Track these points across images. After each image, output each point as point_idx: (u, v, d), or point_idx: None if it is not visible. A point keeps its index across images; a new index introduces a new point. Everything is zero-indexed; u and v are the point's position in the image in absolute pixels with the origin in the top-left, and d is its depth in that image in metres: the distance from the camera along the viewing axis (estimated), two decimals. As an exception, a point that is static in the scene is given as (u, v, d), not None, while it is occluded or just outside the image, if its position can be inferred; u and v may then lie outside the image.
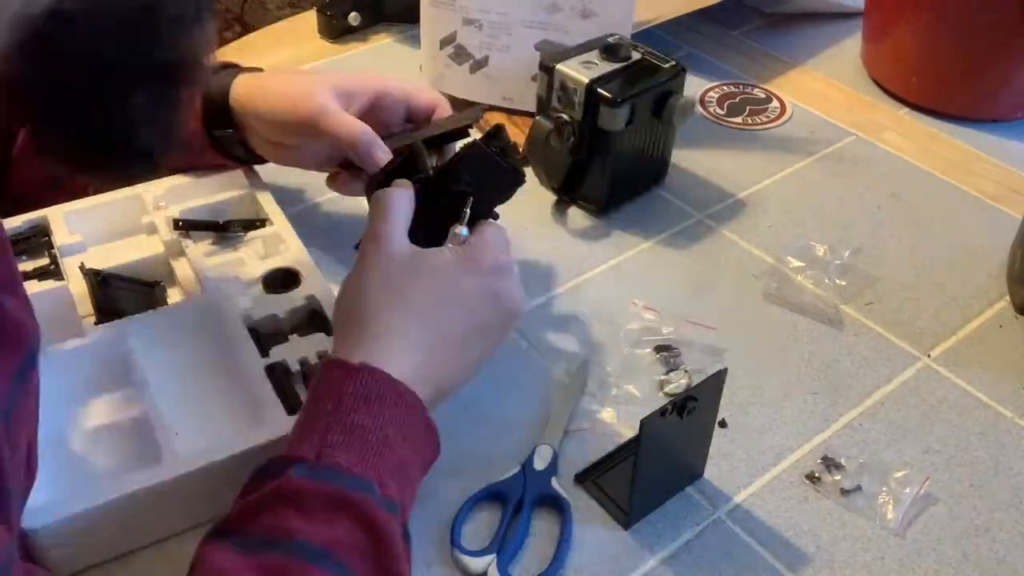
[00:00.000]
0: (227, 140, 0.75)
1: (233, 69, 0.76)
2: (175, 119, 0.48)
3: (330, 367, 0.55)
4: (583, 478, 0.65)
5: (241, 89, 0.73)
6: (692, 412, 0.58)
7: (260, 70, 0.78)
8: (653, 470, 0.60)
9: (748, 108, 1.03)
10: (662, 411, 0.57)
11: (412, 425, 0.54)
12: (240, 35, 1.20)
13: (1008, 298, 0.80)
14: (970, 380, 0.73)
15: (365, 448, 0.51)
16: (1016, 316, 0.78)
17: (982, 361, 0.74)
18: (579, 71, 0.82)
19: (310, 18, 1.15)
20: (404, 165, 0.67)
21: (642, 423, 0.56)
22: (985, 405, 0.71)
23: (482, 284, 0.59)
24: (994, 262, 0.82)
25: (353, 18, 1.13)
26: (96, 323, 0.67)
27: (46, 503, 0.55)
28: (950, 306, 0.79)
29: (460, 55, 0.98)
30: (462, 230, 0.62)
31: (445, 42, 0.98)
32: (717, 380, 0.59)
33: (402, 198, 0.62)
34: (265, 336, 0.68)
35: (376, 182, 0.67)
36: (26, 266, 0.72)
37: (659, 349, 0.73)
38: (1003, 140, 0.99)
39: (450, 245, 0.61)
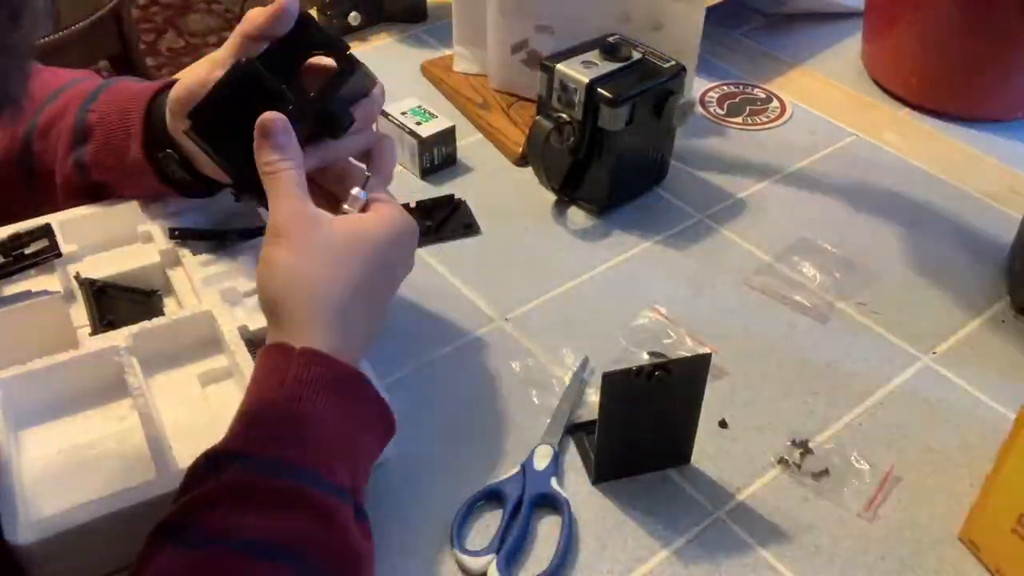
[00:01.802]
0: (166, 161, 0.71)
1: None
2: None
3: (271, 353, 0.54)
4: (575, 430, 0.67)
5: (172, 92, 0.69)
6: (662, 381, 0.59)
7: None
8: (622, 432, 0.62)
9: (748, 108, 1.03)
10: (626, 371, 0.58)
11: (360, 404, 0.54)
12: (240, 35, 1.20)
13: (1008, 298, 0.80)
14: (970, 380, 0.73)
15: (308, 437, 0.50)
16: (1016, 316, 0.78)
17: (982, 361, 0.74)
18: (579, 71, 0.82)
19: (310, 18, 1.15)
20: (239, 86, 0.61)
21: (604, 375, 0.58)
22: (985, 405, 0.71)
23: (405, 253, 0.61)
24: (994, 262, 0.82)
25: (353, 18, 1.13)
26: (91, 334, 0.67)
27: (39, 518, 0.54)
28: (950, 306, 0.79)
29: (533, 61, 0.97)
30: (360, 193, 0.61)
31: (517, 48, 0.98)
32: (699, 361, 0.60)
33: (294, 162, 0.58)
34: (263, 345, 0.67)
35: (209, 110, 0.61)
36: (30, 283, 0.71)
37: (653, 354, 0.73)
38: (1003, 140, 0.99)
39: (357, 212, 0.61)
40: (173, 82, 0.71)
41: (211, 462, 0.50)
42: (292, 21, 0.62)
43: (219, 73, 0.62)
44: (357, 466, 0.52)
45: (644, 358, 0.73)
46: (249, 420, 0.52)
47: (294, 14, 0.62)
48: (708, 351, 0.65)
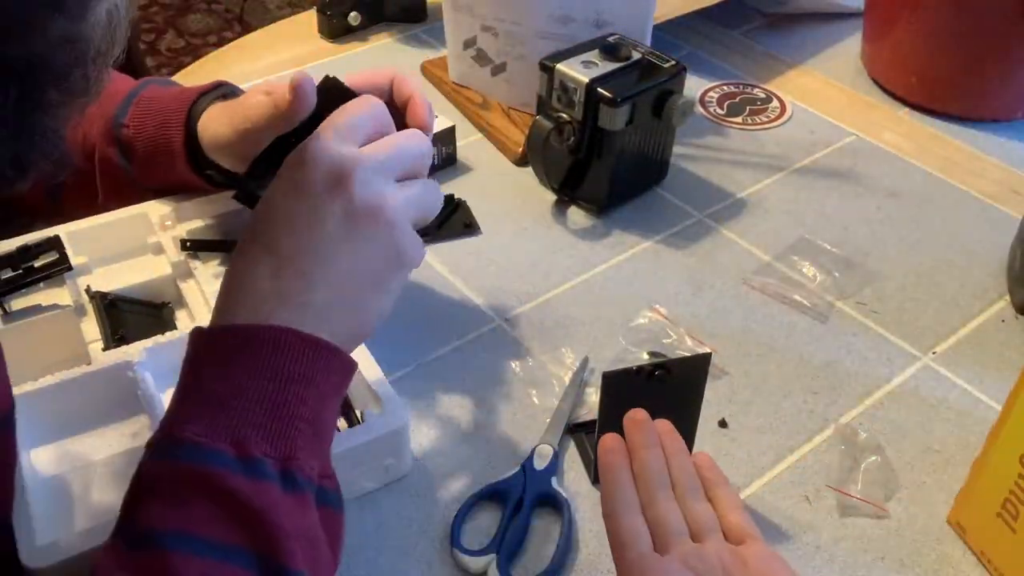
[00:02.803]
0: (210, 178, 0.73)
1: (219, 90, 0.73)
2: (50, 129, 0.41)
3: (189, 343, 0.51)
4: (576, 430, 0.67)
5: (205, 118, 0.70)
6: (662, 381, 0.59)
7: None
8: (621, 431, 0.61)
9: (748, 108, 1.03)
10: (626, 370, 0.59)
11: (290, 362, 0.48)
12: (240, 35, 1.21)
13: (1008, 298, 0.80)
14: (970, 380, 0.73)
15: (216, 412, 0.47)
16: (1016, 316, 0.78)
17: (982, 361, 0.74)
18: (579, 71, 0.82)
19: (310, 18, 1.15)
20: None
21: (604, 375, 0.58)
22: (985, 405, 0.71)
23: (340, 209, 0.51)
24: (994, 262, 0.82)
25: (353, 18, 1.13)
26: (104, 349, 0.66)
27: (54, 540, 0.53)
28: (950, 306, 0.79)
29: (481, 58, 0.98)
30: None
31: (467, 44, 0.98)
32: (699, 361, 0.60)
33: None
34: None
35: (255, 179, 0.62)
36: (40, 298, 0.70)
37: (652, 354, 0.73)
38: (1003, 140, 0.99)
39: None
40: (203, 90, 0.73)
41: (144, 454, 0.48)
42: (312, 100, 0.60)
43: (247, 128, 0.64)
44: (286, 429, 0.48)
45: (644, 358, 0.73)
46: (169, 407, 0.49)
47: (311, 97, 0.60)
48: (708, 351, 0.65)
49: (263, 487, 0.46)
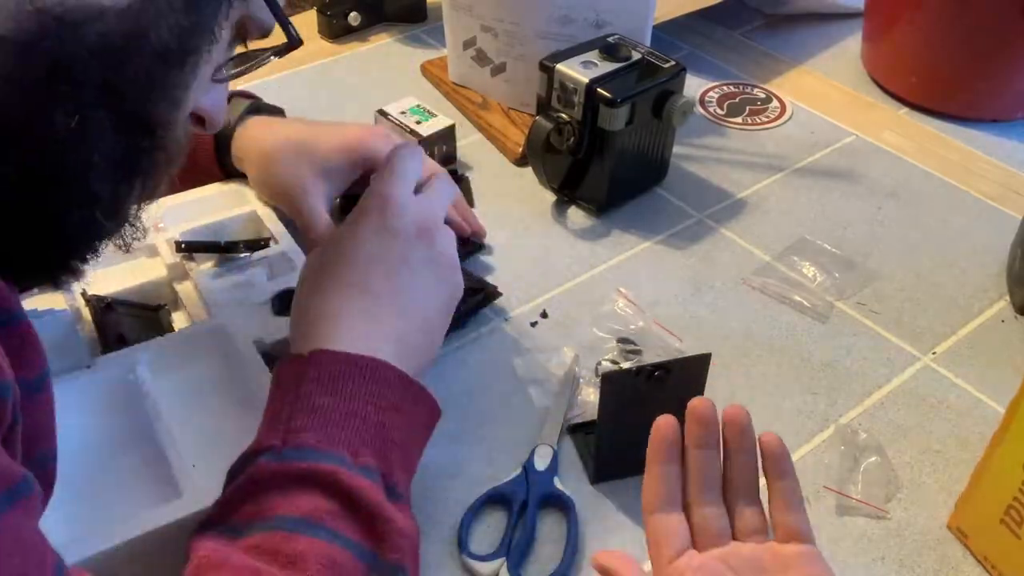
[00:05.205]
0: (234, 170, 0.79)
1: (250, 103, 0.78)
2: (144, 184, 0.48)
3: (283, 368, 0.55)
4: (575, 430, 0.67)
5: (242, 139, 0.76)
6: (662, 381, 0.59)
7: (280, 110, 0.81)
8: (622, 432, 0.61)
9: (748, 108, 1.03)
10: (626, 371, 0.60)
11: (386, 390, 0.53)
12: (240, 35, 1.20)
13: (1008, 298, 0.80)
14: (970, 380, 0.73)
15: (329, 424, 0.51)
16: (1016, 316, 0.78)
17: (982, 361, 0.74)
18: (579, 71, 0.82)
19: (310, 18, 1.15)
20: None
21: (604, 375, 0.59)
22: (985, 405, 0.71)
23: (388, 238, 0.59)
24: (994, 262, 0.82)
25: (353, 18, 1.13)
26: (103, 352, 0.65)
27: (61, 544, 0.51)
28: (950, 306, 0.79)
29: (481, 58, 0.98)
30: None
31: (467, 44, 0.98)
32: (698, 362, 0.60)
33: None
34: (278, 360, 0.66)
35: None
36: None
37: (622, 341, 0.74)
38: (1003, 140, 0.99)
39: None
40: (247, 94, 0.80)
41: (241, 461, 0.51)
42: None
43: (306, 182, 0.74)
44: (390, 448, 0.52)
45: (612, 343, 0.73)
46: (272, 421, 0.52)
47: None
48: (708, 351, 0.65)
49: (376, 489, 0.49)
